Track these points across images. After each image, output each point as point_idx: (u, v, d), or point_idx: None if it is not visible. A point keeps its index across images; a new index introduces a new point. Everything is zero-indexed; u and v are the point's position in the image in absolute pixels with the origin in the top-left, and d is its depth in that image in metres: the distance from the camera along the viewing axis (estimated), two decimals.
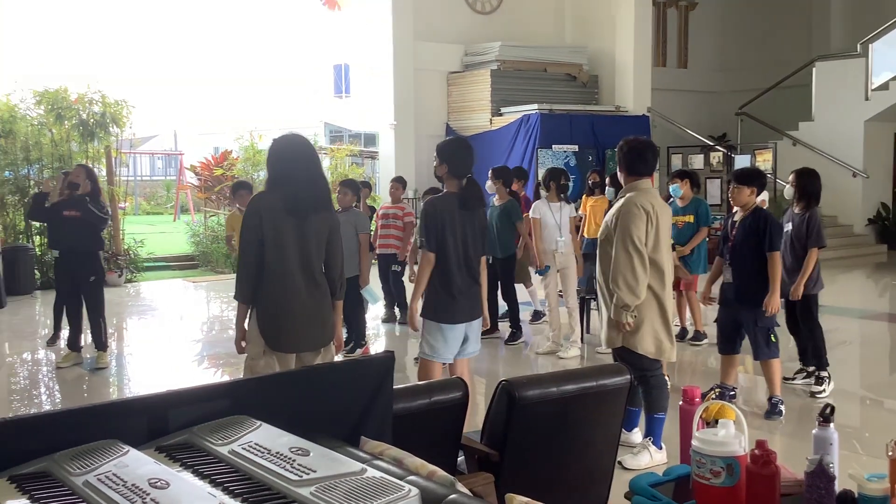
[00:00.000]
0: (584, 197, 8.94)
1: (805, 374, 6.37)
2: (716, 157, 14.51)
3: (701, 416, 2.70)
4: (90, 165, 9.75)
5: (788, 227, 6.14)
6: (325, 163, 16.21)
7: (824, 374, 6.19)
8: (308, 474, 1.78)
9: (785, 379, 6.02)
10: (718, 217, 12.20)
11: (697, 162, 14.37)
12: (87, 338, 7.54)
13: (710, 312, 7.75)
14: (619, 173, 4.83)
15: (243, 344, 4.07)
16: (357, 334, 7.65)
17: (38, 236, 12.05)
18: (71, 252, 7.11)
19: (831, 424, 2.47)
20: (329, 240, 4.09)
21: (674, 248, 6.90)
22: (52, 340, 8.04)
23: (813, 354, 6.25)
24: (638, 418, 4.95)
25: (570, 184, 8.14)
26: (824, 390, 6.11)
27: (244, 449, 1.95)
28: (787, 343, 6.36)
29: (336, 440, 2.22)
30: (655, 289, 4.55)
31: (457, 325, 4.67)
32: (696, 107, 17.27)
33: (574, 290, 7.64)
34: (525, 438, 3.15)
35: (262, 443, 1.98)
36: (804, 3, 17.41)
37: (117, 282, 11.91)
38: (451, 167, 4.66)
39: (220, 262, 13.37)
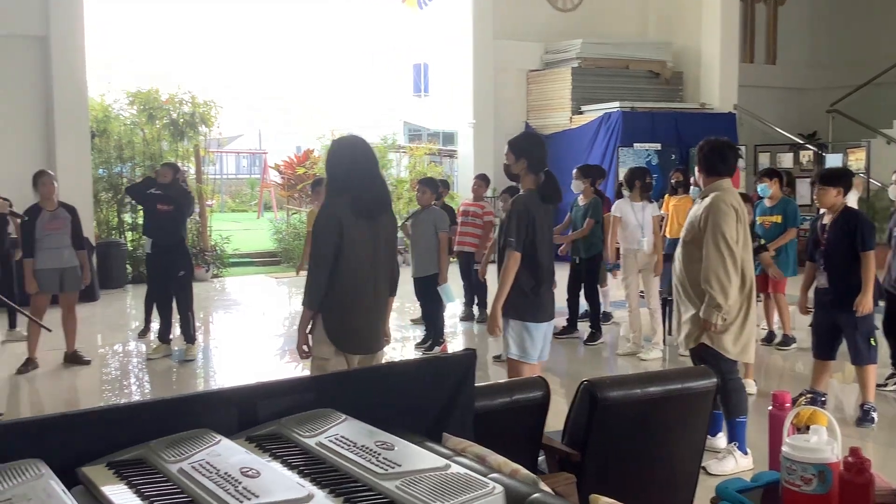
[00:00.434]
0: (666, 196, 8.78)
1: None
2: (806, 155, 14.06)
3: (792, 422, 2.63)
4: (178, 164, 10.10)
5: None
6: (404, 161, 16.35)
7: None
8: (393, 468, 1.80)
9: (876, 385, 5.80)
10: (808, 218, 11.83)
11: (786, 161, 13.95)
12: (175, 330, 7.78)
13: (799, 315, 7.52)
14: (697, 174, 4.77)
15: (305, 348, 3.96)
16: (436, 332, 7.70)
17: (129, 232, 12.51)
18: (161, 245, 7.38)
19: None
20: (390, 240, 4.11)
21: (766, 249, 6.71)
22: (143, 333, 8.34)
23: None
24: (721, 423, 4.84)
25: (653, 183, 8.01)
26: None
27: (331, 441, 1.98)
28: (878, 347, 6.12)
29: (418, 436, 2.24)
30: (742, 288, 4.47)
31: (542, 325, 4.63)
32: (786, 104, 16.74)
33: (656, 290, 7.50)
34: (607, 440, 3.12)
35: (347, 436, 2.01)
36: None
37: (204, 277, 12.25)
38: (530, 163, 4.56)
39: (302, 258, 13.62)
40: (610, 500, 1.87)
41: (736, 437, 4.60)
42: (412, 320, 9.03)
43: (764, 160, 14.07)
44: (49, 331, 5.73)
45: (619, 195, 8.11)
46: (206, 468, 1.78)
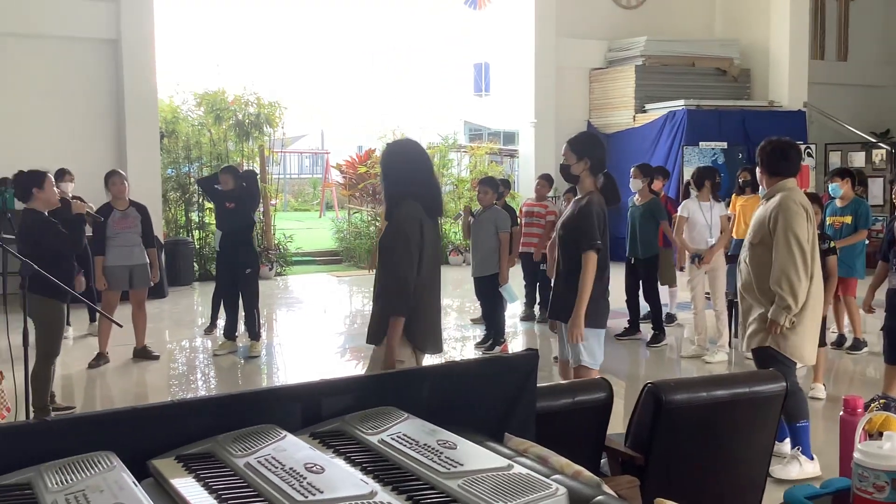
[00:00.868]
0: (733, 196, 8.61)
1: None
2: (879, 154, 13.64)
3: (864, 428, 2.55)
4: (241, 165, 10.29)
5: None
6: (464, 161, 16.37)
7: None
8: (456, 467, 1.80)
9: None
10: (880, 218, 11.47)
11: (858, 160, 13.56)
12: (240, 327, 7.92)
13: (871, 319, 7.31)
14: (760, 174, 4.62)
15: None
16: (496, 331, 7.69)
17: (197, 230, 12.79)
18: (229, 238, 7.54)
19: None
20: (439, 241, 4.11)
21: (835, 252, 6.47)
22: (210, 329, 8.53)
23: None
24: (786, 428, 4.72)
25: (721, 182, 7.88)
26: None
27: (393, 439, 1.99)
28: None
29: (480, 435, 2.23)
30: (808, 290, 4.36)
31: (604, 330, 4.60)
32: (857, 101, 16.26)
33: (722, 292, 7.35)
34: (671, 444, 3.07)
35: (410, 434, 2.01)
36: None
37: (268, 275, 12.45)
38: (592, 163, 4.45)
39: (363, 257, 13.76)
40: None
41: (799, 441, 4.49)
42: (472, 320, 9.04)
43: (835, 159, 13.69)
44: (120, 326, 5.89)
45: (686, 195, 7.98)
46: (272, 463, 1.81)
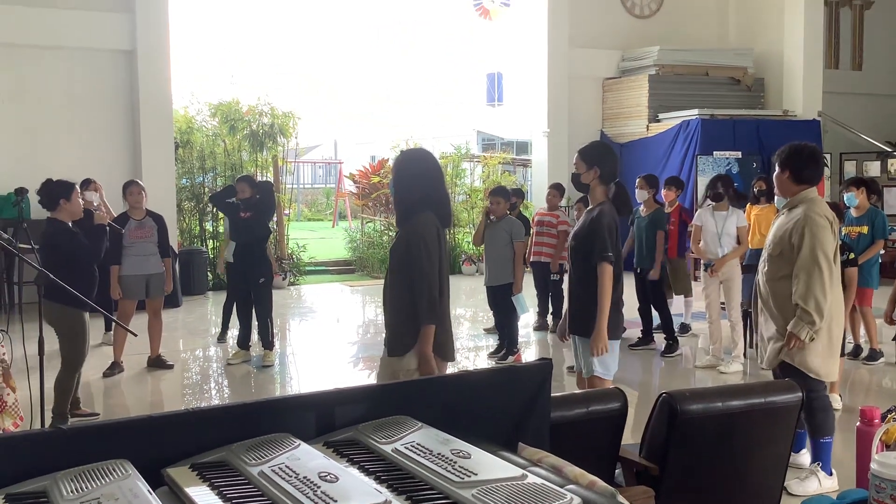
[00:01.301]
0: (748, 205, 8.57)
1: None
2: (894, 164, 13.55)
3: (881, 439, 2.53)
4: (255, 175, 10.33)
5: None
6: (477, 171, 16.38)
7: None
8: (470, 476, 1.80)
9: None
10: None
11: (873, 169, 13.49)
12: (254, 336, 7.94)
13: (886, 329, 7.25)
14: (782, 180, 4.40)
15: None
16: (510, 341, 7.67)
17: (211, 240, 12.85)
18: (244, 248, 7.55)
19: None
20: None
21: (854, 263, 6.40)
22: (222, 337, 8.55)
23: None
24: (805, 439, 4.68)
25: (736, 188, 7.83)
26: None
27: (407, 448, 1.99)
28: None
29: (494, 445, 2.23)
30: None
31: (618, 340, 4.57)
32: (873, 111, 16.18)
33: (737, 302, 7.31)
34: (686, 454, 3.05)
35: (424, 443, 2.01)
36: None
37: (281, 284, 12.48)
38: (602, 172, 4.42)
39: (376, 267, 13.77)
40: None
41: (820, 457, 4.43)
42: (485, 329, 9.03)
43: (850, 169, 13.63)
44: (135, 335, 5.92)
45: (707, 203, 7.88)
46: (286, 472, 1.81)
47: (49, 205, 5.70)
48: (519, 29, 15.84)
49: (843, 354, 5.75)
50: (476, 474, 1.81)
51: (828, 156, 13.36)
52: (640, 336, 8.13)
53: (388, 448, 2.02)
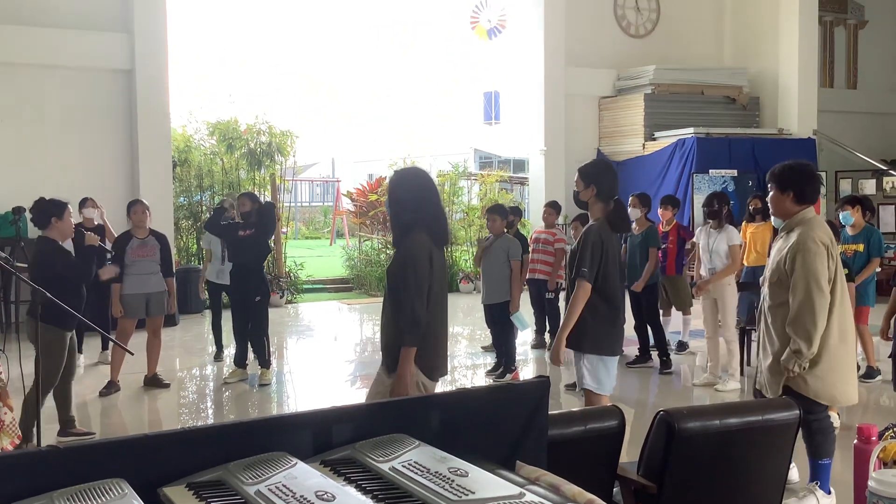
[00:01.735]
0: (744, 223, 8.59)
1: None
2: (889, 182, 13.61)
3: (878, 456, 2.53)
4: (255, 192, 10.35)
5: None
6: (475, 189, 16.42)
7: None
8: (467, 495, 1.79)
9: None
10: (892, 246, 11.43)
11: (869, 187, 13.54)
12: (250, 355, 7.91)
13: (882, 347, 7.25)
14: (782, 201, 4.30)
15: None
16: (507, 359, 7.66)
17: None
18: (242, 268, 7.54)
19: None
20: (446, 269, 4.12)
21: (852, 280, 6.41)
22: (218, 356, 8.53)
23: None
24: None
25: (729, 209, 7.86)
26: None
27: (404, 467, 1.99)
28: None
29: (491, 463, 2.22)
30: (832, 328, 4.15)
31: (616, 357, 4.58)
32: (867, 129, 16.28)
33: (731, 320, 7.28)
34: (684, 472, 3.05)
35: (421, 461, 2.01)
36: None
37: (279, 302, 12.46)
38: (599, 190, 4.51)
39: (374, 285, 13.77)
40: None
41: (819, 477, 4.40)
42: (483, 347, 9.02)
43: (846, 187, 13.68)
44: (132, 354, 5.91)
45: (705, 221, 7.89)
46: (283, 491, 1.81)
47: (41, 223, 5.70)
48: (516, 48, 15.94)
49: None
50: (473, 493, 1.80)
51: (823, 174, 13.41)
52: (637, 354, 8.12)
53: (385, 466, 2.01)
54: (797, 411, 3.26)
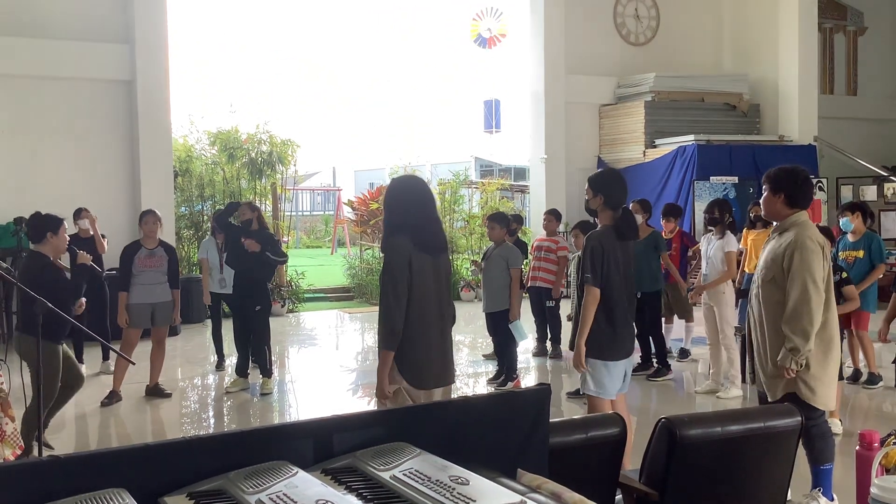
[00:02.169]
0: (745, 230, 8.59)
1: None
2: (890, 188, 13.62)
3: (880, 463, 2.53)
4: (256, 202, 10.35)
5: None
6: (476, 197, 16.44)
7: None
8: (468, 503, 1.79)
9: None
10: (893, 252, 11.42)
11: (870, 193, 13.54)
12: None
13: (884, 353, 7.24)
14: (774, 203, 4.30)
15: (389, 393, 3.87)
16: (509, 367, 7.65)
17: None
18: (244, 278, 7.52)
19: None
20: (448, 279, 4.14)
21: (848, 282, 6.44)
22: (220, 366, 8.52)
23: None
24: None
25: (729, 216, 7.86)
26: None
27: (405, 475, 1.98)
28: None
29: (493, 471, 2.22)
30: (824, 330, 4.20)
31: (620, 362, 4.60)
32: (868, 135, 16.30)
33: (730, 326, 7.26)
34: (686, 479, 3.04)
35: (422, 470, 2.00)
36: None
37: (280, 312, 12.47)
38: (606, 199, 4.59)
39: (375, 293, 13.77)
40: None
41: (821, 483, 4.39)
42: (484, 355, 9.01)
43: (846, 193, 13.68)
44: (133, 364, 5.91)
45: (706, 229, 7.89)
46: (284, 500, 1.80)
47: (36, 237, 5.70)
48: (516, 56, 16.00)
49: (840, 378, 5.73)
50: (475, 501, 1.80)
51: (824, 180, 13.43)
52: (640, 362, 8.11)
53: (386, 475, 2.01)
54: (799, 418, 3.25)
